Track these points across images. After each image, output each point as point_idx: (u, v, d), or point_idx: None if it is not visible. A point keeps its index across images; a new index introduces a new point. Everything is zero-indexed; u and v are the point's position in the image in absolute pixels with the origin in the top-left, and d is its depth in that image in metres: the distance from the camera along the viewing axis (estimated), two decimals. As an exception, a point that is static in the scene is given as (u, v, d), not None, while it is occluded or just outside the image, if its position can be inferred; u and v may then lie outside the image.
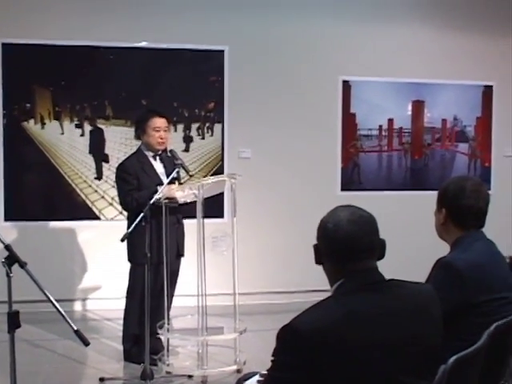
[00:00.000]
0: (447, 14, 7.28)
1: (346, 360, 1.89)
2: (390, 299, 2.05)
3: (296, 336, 1.91)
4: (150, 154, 4.98)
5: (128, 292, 4.96)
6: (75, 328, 2.84)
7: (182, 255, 5.05)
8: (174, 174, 4.74)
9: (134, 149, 5.19)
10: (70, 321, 2.86)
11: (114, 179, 5.16)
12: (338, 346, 1.89)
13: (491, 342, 2.46)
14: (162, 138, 4.95)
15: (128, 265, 4.96)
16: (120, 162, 5.17)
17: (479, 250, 2.78)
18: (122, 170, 4.96)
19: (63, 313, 2.89)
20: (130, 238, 4.47)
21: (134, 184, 4.85)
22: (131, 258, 4.90)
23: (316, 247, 2.18)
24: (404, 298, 2.08)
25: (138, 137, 5.06)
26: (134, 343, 4.91)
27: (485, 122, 7.57)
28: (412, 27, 7.20)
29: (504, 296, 2.73)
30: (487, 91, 7.53)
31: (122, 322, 5.06)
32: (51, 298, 2.90)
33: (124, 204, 4.95)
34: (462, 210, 2.82)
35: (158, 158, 4.99)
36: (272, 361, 1.98)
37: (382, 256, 2.15)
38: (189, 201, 4.81)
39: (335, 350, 1.88)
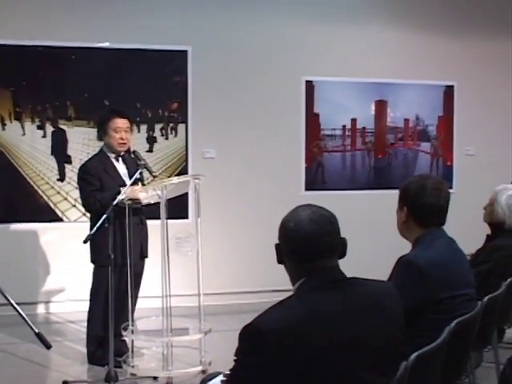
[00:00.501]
0: (409, 14, 7.35)
1: (308, 358, 1.89)
2: (351, 297, 2.06)
3: (258, 335, 1.91)
4: (112, 156, 4.94)
5: (92, 294, 4.92)
6: (36, 331, 2.82)
7: (146, 256, 5.03)
8: (136, 175, 4.72)
9: (97, 150, 5.15)
10: (31, 324, 2.84)
11: (77, 181, 5.10)
12: (300, 345, 1.89)
13: (452, 338, 2.50)
14: (122, 139, 4.89)
15: (92, 266, 4.92)
16: (82, 163, 5.13)
17: (440, 248, 2.81)
18: (84, 172, 4.91)
19: (24, 316, 2.86)
20: (93, 240, 4.45)
21: (97, 185, 4.80)
22: (94, 259, 4.86)
23: (277, 247, 2.18)
24: (365, 296, 2.10)
25: (100, 138, 5.02)
26: (99, 345, 4.86)
27: (446, 121, 7.66)
28: (375, 27, 7.26)
29: (464, 293, 2.78)
30: (448, 91, 7.63)
31: (85, 324, 5.00)
32: (12, 301, 2.87)
33: (87, 205, 4.90)
34: (423, 209, 2.85)
35: (120, 159, 4.96)
36: (234, 360, 1.98)
37: (343, 255, 2.16)
38: (152, 202, 4.79)
39: (297, 349, 1.89)
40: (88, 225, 4.83)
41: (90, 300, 4.92)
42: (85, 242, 4.32)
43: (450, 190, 2.99)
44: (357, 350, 1.97)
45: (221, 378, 2.48)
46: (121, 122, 4.91)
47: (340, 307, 2.01)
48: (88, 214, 5.17)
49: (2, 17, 6.30)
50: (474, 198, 7.38)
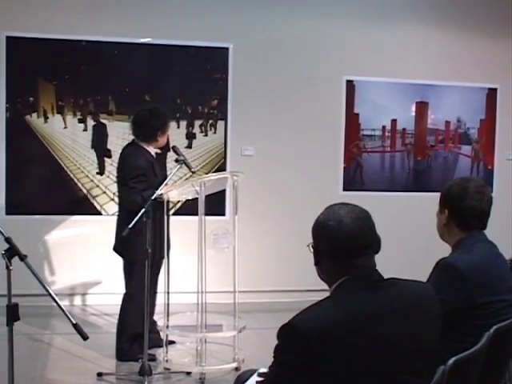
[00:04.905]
0: (453, 15, 7.26)
1: (347, 358, 1.88)
2: (390, 298, 2.04)
3: (297, 334, 1.90)
4: (153, 152, 4.95)
5: (129, 292, 4.88)
6: (74, 322, 2.84)
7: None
8: (175, 171, 4.73)
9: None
10: (68, 315, 2.85)
11: (125, 179, 4.82)
12: (339, 345, 1.88)
13: (491, 344, 2.46)
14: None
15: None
16: (132, 161, 4.84)
17: (481, 252, 2.77)
18: (137, 172, 4.76)
19: (62, 306, 2.88)
20: (129, 237, 4.41)
21: (145, 185, 4.73)
22: (130, 256, 4.83)
23: (315, 247, 2.16)
24: (403, 297, 2.08)
25: (151, 137, 4.90)
26: (133, 343, 4.86)
27: (488, 124, 7.56)
28: (417, 28, 7.19)
29: (504, 298, 2.72)
30: (491, 94, 7.51)
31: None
32: (51, 292, 2.90)
33: (133, 204, 4.62)
34: (465, 212, 2.81)
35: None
36: (273, 358, 1.97)
37: (377, 251, 2.15)
38: (190, 197, 4.81)
39: (336, 349, 1.88)
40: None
41: (127, 299, 4.89)
42: (124, 235, 4.32)
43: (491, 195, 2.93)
44: (395, 351, 1.95)
45: (255, 377, 2.47)
46: None
47: (379, 308, 1.99)
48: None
49: (46, 12, 6.38)
50: (515, 202, 7.33)
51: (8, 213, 6.37)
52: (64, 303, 2.92)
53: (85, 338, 2.85)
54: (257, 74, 6.87)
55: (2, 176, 6.39)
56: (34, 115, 6.47)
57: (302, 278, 6.46)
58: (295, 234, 6.61)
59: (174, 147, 4.93)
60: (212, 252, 4.67)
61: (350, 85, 7.13)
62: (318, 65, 7.00)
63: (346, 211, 2.12)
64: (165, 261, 4.86)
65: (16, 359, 2.92)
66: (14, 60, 6.37)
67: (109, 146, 6.61)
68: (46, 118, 6.50)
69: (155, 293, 5.00)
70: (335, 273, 2.11)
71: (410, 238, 6.95)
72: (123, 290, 4.94)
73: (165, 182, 4.59)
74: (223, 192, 6.01)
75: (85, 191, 6.57)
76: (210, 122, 6.83)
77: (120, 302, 4.96)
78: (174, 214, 6.02)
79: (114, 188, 6.16)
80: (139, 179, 4.73)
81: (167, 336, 4.80)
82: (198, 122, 6.80)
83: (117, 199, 5.50)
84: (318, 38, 6.97)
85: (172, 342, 5.01)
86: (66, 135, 6.55)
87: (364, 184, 7.23)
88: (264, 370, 2.20)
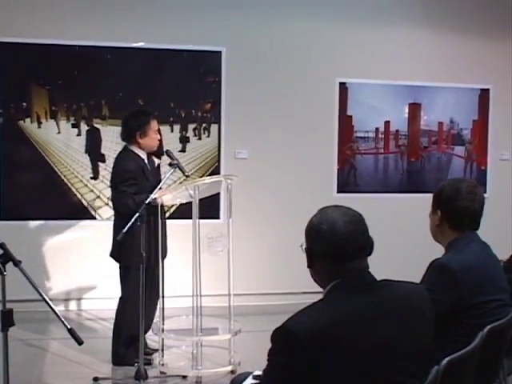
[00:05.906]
0: (445, 17, 7.28)
1: (341, 361, 1.89)
2: (383, 299, 2.05)
3: (290, 338, 1.91)
4: (143, 156, 4.94)
5: (124, 296, 4.87)
6: (69, 327, 2.84)
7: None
8: (168, 175, 4.73)
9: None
10: (63, 320, 2.86)
11: (116, 182, 4.86)
12: (333, 347, 1.89)
13: (484, 344, 2.47)
14: (159, 140, 5.02)
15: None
16: (121, 165, 4.88)
17: (474, 252, 2.78)
18: (127, 177, 4.77)
19: (57, 311, 2.88)
20: (124, 242, 4.41)
21: (136, 189, 4.73)
22: (125, 260, 4.82)
23: (308, 250, 2.16)
24: (397, 298, 2.09)
25: (131, 139, 4.90)
26: (129, 347, 4.86)
27: (481, 125, 7.58)
28: (410, 30, 7.21)
29: (497, 298, 2.74)
30: (484, 94, 7.54)
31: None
32: (45, 297, 2.90)
33: (124, 207, 4.68)
34: (458, 212, 2.82)
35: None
36: (267, 361, 1.98)
37: (370, 253, 2.16)
38: (184, 201, 4.81)
39: (329, 352, 1.88)
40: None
41: (122, 303, 4.88)
42: (118, 239, 4.32)
43: (484, 195, 2.95)
44: (389, 353, 1.96)
45: (250, 379, 2.48)
46: (156, 123, 5.00)
47: (372, 310, 2.00)
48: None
49: (38, 17, 6.37)
50: (508, 203, 7.36)
51: (1, 218, 6.36)
52: (59, 308, 2.92)
53: (80, 342, 2.86)
54: (250, 77, 6.88)
55: (-4, 182, 6.39)
56: (28, 120, 6.47)
57: (296, 280, 6.45)
58: (289, 237, 6.59)
59: (167, 151, 4.94)
60: (207, 255, 4.67)
61: (343, 87, 7.14)
62: (311, 67, 7.01)
63: (339, 214, 2.12)
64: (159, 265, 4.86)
65: (11, 365, 2.91)
66: (7, 65, 6.36)
67: (103, 151, 6.60)
68: (40, 123, 6.49)
69: (157, 298, 4.95)
70: (328, 275, 2.12)
71: (403, 239, 6.97)
72: (118, 295, 4.93)
73: (159, 186, 4.60)
74: (217, 195, 6.02)
75: (79, 196, 6.57)
76: (204, 125, 6.84)
77: (115, 307, 4.95)
78: (168, 218, 6.02)
79: (108, 193, 6.13)
80: (129, 182, 4.73)
81: (163, 340, 4.79)
82: (191, 126, 6.81)
83: (111, 204, 5.49)
84: (311, 40, 6.98)
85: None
86: (60, 140, 6.54)
87: (358, 186, 7.25)
88: (259, 372, 2.21)
